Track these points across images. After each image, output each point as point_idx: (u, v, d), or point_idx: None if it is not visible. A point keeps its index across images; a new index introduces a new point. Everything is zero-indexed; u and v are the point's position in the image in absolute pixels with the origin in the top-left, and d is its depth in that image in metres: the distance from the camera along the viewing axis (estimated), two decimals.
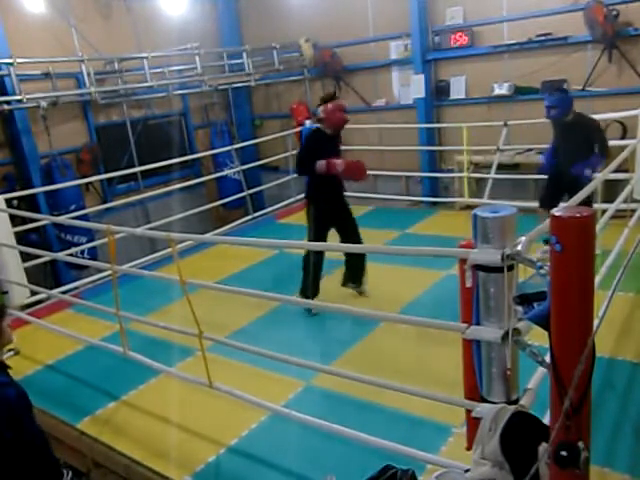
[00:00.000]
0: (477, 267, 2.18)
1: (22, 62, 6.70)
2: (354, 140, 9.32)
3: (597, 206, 5.57)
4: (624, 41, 6.74)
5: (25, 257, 5.74)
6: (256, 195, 9.23)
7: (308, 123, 8.44)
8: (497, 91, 7.75)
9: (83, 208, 7.10)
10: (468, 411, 2.38)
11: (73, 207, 7.01)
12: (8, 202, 5.80)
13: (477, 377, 2.31)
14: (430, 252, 3.08)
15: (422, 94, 8.30)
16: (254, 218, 8.50)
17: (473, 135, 7.51)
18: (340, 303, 4.82)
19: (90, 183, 7.78)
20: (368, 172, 5.28)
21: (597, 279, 3.46)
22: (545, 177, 5.75)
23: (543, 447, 1.79)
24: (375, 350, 4.35)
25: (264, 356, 3.48)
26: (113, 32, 8.31)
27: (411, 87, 8.47)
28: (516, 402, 2.25)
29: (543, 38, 7.24)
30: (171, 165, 7.87)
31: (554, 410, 1.81)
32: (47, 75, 7.21)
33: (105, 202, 7.93)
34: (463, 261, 2.23)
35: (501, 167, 7.29)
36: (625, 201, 5.04)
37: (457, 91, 8.24)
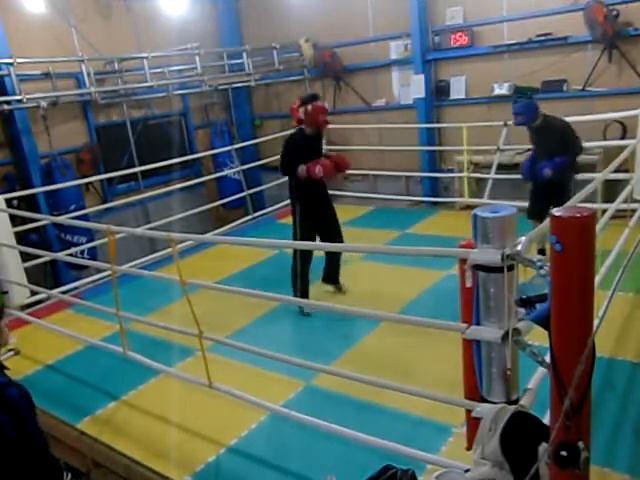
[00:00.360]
0: (477, 267, 2.18)
1: (22, 62, 6.69)
2: (354, 140, 9.34)
3: (597, 206, 5.58)
4: (624, 41, 6.74)
5: (25, 257, 5.74)
6: (256, 195, 9.22)
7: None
8: (497, 91, 7.75)
9: (83, 208, 7.10)
10: (468, 411, 2.38)
11: (73, 207, 7.00)
12: (8, 202, 5.81)
13: (477, 377, 2.31)
14: (430, 252, 3.08)
15: (422, 94, 8.30)
16: (254, 218, 8.51)
17: (473, 135, 7.51)
18: (340, 303, 4.84)
19: (90, 183, 7.77)
20: (349, 166, 5.47)
21: (597, 279, 3.46)
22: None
23: (543, 447, 1.79)
24: (375, 350, 4.36)
25: (264, 356, 3.48)
26: (113, 32, 8.30)
27: (411, 87, 8.47)
28: (516, 402, 2.25)
29: (543, 38, 7.24)
30: (171, 165, 7.89)
31: (554, 410, 1.81)
32: (47, 75, 7.20)
33: (105, 202, 7.93)
34: (463, 261, 2.23)
35: (501, 167, 7.29)
36: (625, 201, 5.04)
37: (457, 91, 8.24)
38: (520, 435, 1.87)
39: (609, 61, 6.89)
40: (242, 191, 8.82)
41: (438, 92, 8.42)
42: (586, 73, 7.10)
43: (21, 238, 6.19)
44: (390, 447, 2.79)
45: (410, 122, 8.45)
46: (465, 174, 7.63)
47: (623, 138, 6.70)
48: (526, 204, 5.52)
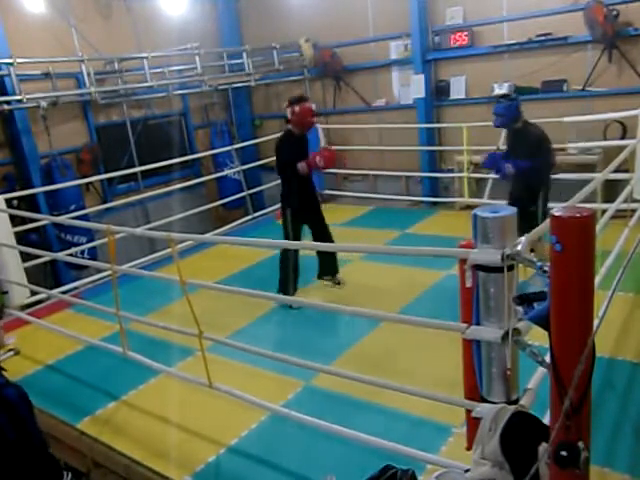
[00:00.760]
0: (477, 267, 2.18)
1: (22, 62, 6.69)
2: (354, 140, 9.34)
3: (597, 206, 5.57)
4: (624, 41, 6.74)
5: (25, 257, 5.74)
6: (256, 195, 9.22)
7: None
8: (497, 91, 7.73)
9: (83, 208, 7.10)
10: (468, 411, 2.38)
11: (73, 207, 7.00)
12: (8, 202, 5.80)
13: (477, 377, 2.31)
14: (430, 252, 3.08)
15: (422, 94, 8.29)
16: (254, 218, 8.51)
17: (473, 135, 7.50)
18: (340, 303, 4.84)
19: (90, 183, 7.77)
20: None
21: (597, 279, 3.46)
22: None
23: (543, 447, 1.78)
24: (375, 350, 4.36)
25: (264, 356, 3.49)
26: (113, 32, 8.30)
27: (411, 87, 8.46)
28: (516, 402, 2.25)
29: (543, 38, 7.24)
30: (171, 165, 7.89)
31: (554, 410, 1.81)
32: (47, 75, 7.20)
33: (105, 202, 7.93)
34: (463, 261, 2.23)
35: None
36: (625, 201, 5.04)
37: (457, 91, 8.24)
38: (520, 435, 1.87)
39: (609, 61, 6.89)
40: (242, 191, 8.82)
41: (438, 92, 8.42)
42: (586, 73, 7.10)
43: (21, 238, 6.19)
44: (390, 447, 2.79)
45: (410, 122, 8.45)
46: (465, 174, 7.63)
47: (623, 138, 6.69)
48: None
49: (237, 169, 8.87)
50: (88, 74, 7.39)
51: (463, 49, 7.92)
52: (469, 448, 2.26)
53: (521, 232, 2.19)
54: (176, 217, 7.35)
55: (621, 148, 4.99)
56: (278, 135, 5.60)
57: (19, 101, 6.75)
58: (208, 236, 5.65)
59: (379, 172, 9.00)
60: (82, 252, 6.99)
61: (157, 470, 3.29)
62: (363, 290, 5.46)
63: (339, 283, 5.58)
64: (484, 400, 2.29)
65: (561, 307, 1.73)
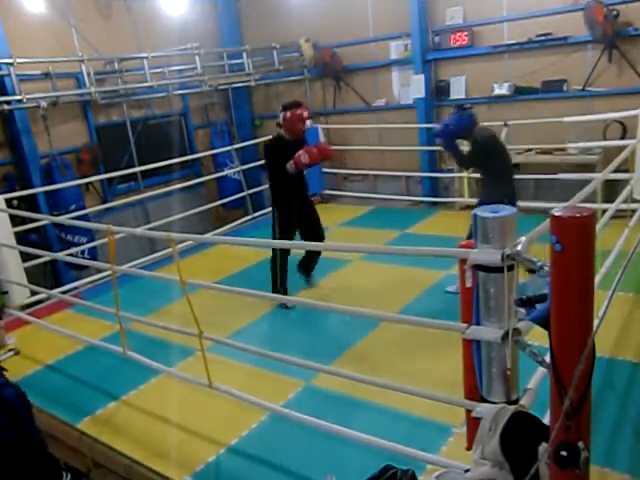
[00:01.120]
0: (477, 267, 2.18)
1: (22, 62, 6.69)
2: (354, 140, 9.34)
3: (597, 206, 5.57)
4: (624, 41, 6.73)
5: (25, 257, 5.74)
6: (256, 195, 9.22)
7: (309, 123, 8.43)
8: (497, 91, 7.75)
9: (83, 208, 7.10)
10: (468, 411, 2.38)
11: (73, 207, 7.01)
12: (8, 202, 5.81)
13: (477, 377, 2.31)
14: (430, 252, 3.08)
15: (422, 94, 8.29)
16: (254, 218, 8.51)
17: None
18: (340, 303, 4.84)
19: (90, 183, 7.77)
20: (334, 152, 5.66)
21: (597, 279, 3.46)
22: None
23: (543, 447, 1.79)
24: (375, 350, 4.35)
25: (264, 356, 3.49)
26: (113, 32, 8.30)
27: (411, 87, 8.46)
28: (516, 402, 2.25)
29: (543, 38, 7.24)
30: (171, 165, 7.89)
31: (554, 410, 1.81)
32: (47, 75, 7.20)
33: (105, 202, 7.93)
34: (463, 261, 2.23)
35: None
36: (625, 201, 5.04)
37: (457, 91, 8.23)
38: (520, 435, 1.87)
39: (609, 61, 6.89)
40: (242, 191, 8.82)
41: (438, 92, 8.42)
42: (586, 73, 7.10)
43: (21, 238, 6.19)
44: (390, 447, 2.78)
45: (410, 122, 8.45)
46: (465, 174, 7.62)
47: (623, 138, 6.69)
48: (526, 204, 5.51)
49: (237, 169, 8.87)
50: (88, 74, 7.39)
51: (463, 49, 7.92)
52: (469, 448, 2.26)
53: None
54: (176, 217, 7.36)
55: (621, 148, 4.99)
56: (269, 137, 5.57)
57: (19, 101, 6.75)
58: (208, 236, 5.66)
59: (379, 172, 9.00)
60: (82, 252, 7.00)
61: (157, 470, 3.29)
62: (363, 290, 5.46)
63: (311, 284, 5.66)
64: (484, 400, 2.29)
65: (561, 307, 1.73)
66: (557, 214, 1.67)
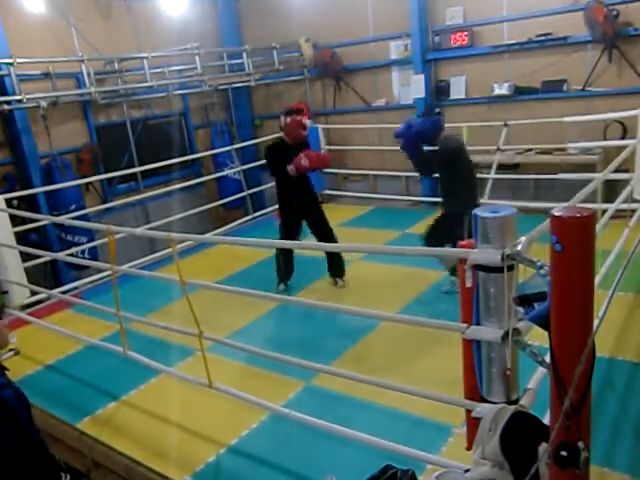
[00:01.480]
0: (477, 267, 2.18)
1: (22, 62, 6.69)
2: (354, 140, 9.34)
3: (597, 206, 5.57)
4: (624, 41, 6.73)
5: (25, 257, 5.74)
6: (256, 195, 9.22)
7: (309, 123, 8.44)
8: (497, 91, 7.75)
9: (83, 208, 7.10)
10: (468, 411, 2.38)
11: (73, 207, 7.01)
12: (8, 202, 5.81)
13: (477, 377, 2.31)
14: (430, 252, 3.08)
15: (422, 94, 8.29)
16: (254, 218, 8.51)
17: (473, 135, 7.50)
18: (340, 303, 4.84)
19: (90, 183, 7.77)
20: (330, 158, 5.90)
21: (597, 279, 3.46)
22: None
23: (543, 447, 1.78)
24: (375, 350, 4.36)
25: (264, 356, 3.49)
26: (113, 32, 8.30)
27: (411, 87, 8.46)
28: (516, 402, 2.25)
29: (543, 38, 7.24)
30: (171, 165, 7.90)
31: (554, 410, 1.81)
32: (47, 75, 7.20)
33: (105, 202, 7.93)
34: (463, 261, 2.23)
35: (501, 167, 7.28)
36: (625, 201, 5.04)
37: (457, 91, 8.23)
38: (520, 435, 1.87)
39: (609, 61, 6.89)
40: (242, 191, 8.82)
41: (438, 92, 8.42)
42: (586, 73, 7.10)
43: (21, 238, 6.19)
44: (390, 447, 2.78)
45: None
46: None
47: (623, 138, 6.69)
48: (526, 204, 5.49)
49: (237, 169, 8.87)
50: (88, 74, 7.39)
51: (463, 49, 7.92)
52: (469, 448, 2.26)
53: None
54: (176, 217, 7.36)
55: (621, 148, 4.99)
56: (279, 135, 5.65)
57: (19, 101, 6.75)
58: (208, 236, 5.66)
59: (379, 172, 9.00)
60: (82, 252, 7.00)
61: (157, 470, 3.29)
62: (363, 290, 5.46)
63: (337, 285, 5.67)
64: (484, 400, 2.29)
65: (561, 307, 1.73)
66: (557, 214, 1.67)
